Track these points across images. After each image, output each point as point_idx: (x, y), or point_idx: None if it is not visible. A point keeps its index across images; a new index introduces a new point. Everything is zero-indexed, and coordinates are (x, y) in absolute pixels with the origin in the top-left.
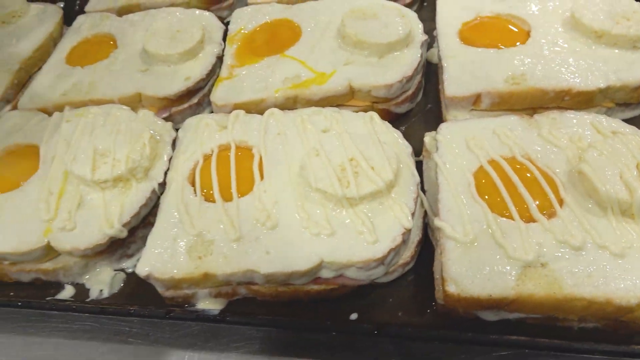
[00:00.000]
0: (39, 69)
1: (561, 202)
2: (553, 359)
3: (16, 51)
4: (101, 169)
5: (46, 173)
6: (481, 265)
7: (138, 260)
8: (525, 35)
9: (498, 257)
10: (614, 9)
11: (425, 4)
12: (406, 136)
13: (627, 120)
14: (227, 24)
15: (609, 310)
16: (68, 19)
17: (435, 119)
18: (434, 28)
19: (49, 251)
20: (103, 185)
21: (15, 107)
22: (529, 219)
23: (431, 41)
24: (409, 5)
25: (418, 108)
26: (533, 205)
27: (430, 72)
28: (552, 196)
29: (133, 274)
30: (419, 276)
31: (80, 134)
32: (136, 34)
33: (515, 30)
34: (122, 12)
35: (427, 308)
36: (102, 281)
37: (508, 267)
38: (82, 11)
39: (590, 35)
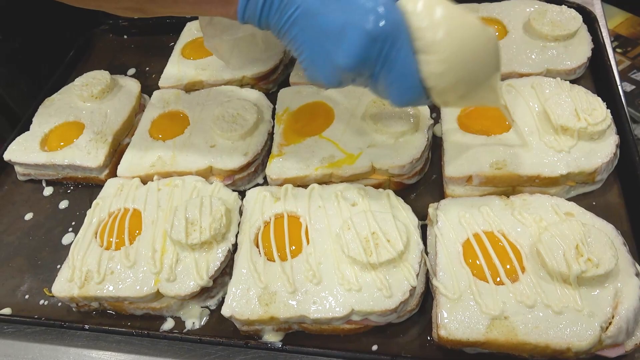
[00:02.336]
0: (126, 136)
1: (523, 269)
2: None
3: (109, 124)
4: (192, 235)
5: (149, 234)
6: (463, 316)
7: (218, 300)
8: (509, 124)
9: (475, 311)
10: (577, 106)
11: None
12: (416, 202)
13: (585, 194)
14: (270, 95)
15: (548, 352)
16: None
17: (438, 187)
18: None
19: (157, 295)
20: (193, 247)
21: (111, 173)
22: (499, 282)
23: (437, 117)
24: None
25: (425, 178)
26: (502, 271)
27: (436, 144)
28: (517, 265)
29: (215, 310)
30: (422, 318)
31: (172, 204)
32: (203, 111)
33: (502, 119)
34: (188, 87)
35: (427, 343)
36: (194, 315)
37: (481, 319)
38: (150, 77)
39: (557, 128)
